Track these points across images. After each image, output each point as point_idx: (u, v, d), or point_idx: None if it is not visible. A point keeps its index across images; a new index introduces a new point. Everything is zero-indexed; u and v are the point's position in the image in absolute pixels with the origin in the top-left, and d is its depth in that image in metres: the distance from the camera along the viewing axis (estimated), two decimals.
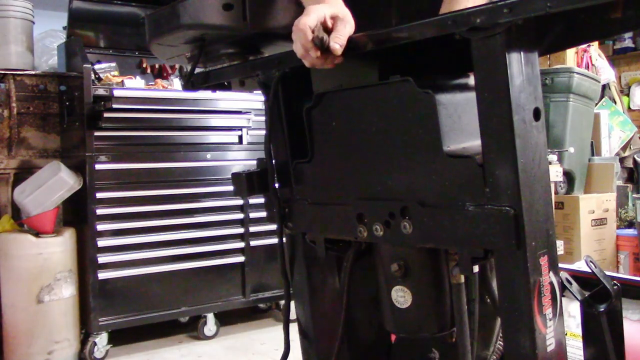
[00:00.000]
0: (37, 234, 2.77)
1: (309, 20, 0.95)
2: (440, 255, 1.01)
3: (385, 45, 0.91)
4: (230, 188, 1.21)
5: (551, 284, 0.85)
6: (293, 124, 1.10)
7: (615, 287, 1.20)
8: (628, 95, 5.58)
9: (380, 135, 0.96)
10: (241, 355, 2.99)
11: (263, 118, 1.17)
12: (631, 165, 4.43)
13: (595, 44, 4.36)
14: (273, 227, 1.17)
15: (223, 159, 3.20)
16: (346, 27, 0.97)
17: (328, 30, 0.96)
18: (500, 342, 1.22)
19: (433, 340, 1.13)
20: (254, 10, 1.13)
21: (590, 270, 1.24)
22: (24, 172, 3.05)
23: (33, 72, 3.12)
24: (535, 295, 0.82)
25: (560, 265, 0.97)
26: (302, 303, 1.21)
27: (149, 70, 3.68)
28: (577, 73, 3.69)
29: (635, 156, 4.41)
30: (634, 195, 3.93)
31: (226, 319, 3.35)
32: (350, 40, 0.96)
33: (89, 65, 2.89)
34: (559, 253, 2.31)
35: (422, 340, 1.14)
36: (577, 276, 1.30)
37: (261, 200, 1.19)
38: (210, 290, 3.17)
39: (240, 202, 3.22)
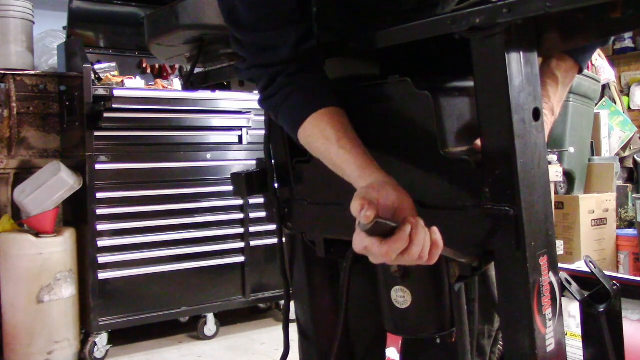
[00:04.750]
0: (37, 234, 2.77)
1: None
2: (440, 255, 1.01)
3: (385, 45, 0.91)
4: (231, 188, 1.21)
5: (551, 284, 0.84)
6: None
7: (615, 287, 1.20)
8: (628, 95, 5.58)
9: (380, 135, 0.96)
10: (241, 355, 2.99)
11: (263, 118, 1.17)
12: (631, 165, 4.43)
13: None
14: (273, 227, 1.17)
15: (223, 159, 3.21)
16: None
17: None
18: (501, 342, 1.22)
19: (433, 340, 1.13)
20: None
21: (589, 271, 1.24)
22: (24, 172, 3.05)
23: (33, 72, 3.12)
24: (535, 295, 0.82)
25: (560, 265, 0.97)
26: (302, 303, 1.21)
27: (149, 70, 3.68)
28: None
29: (635, 156, 4.41)
30: (634, 195, 3.92)
31: (226, 319, 3.35)
32: None
33: (89, 65, 2.89)
34: (559, 253, 2.30)
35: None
36: (577, 276, 1.29)
37: (261, 200, 1.19)
38: (210, 290, 3.17)
39: (240, 202, 3.22)
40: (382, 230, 0.74)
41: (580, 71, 1.11)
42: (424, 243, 0.76)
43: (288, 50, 0.95)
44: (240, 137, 3.27)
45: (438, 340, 1.05)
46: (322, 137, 0.92)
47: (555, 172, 3.28)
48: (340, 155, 0.90)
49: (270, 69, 0.97)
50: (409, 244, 0.74)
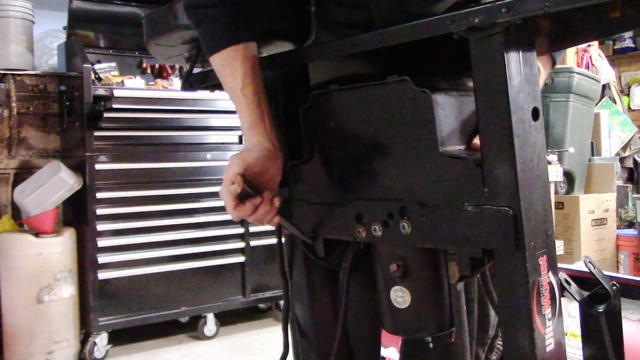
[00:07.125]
0: (37, 234, 2.77)
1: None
2: (439, 255, 1.01)
3: (385, 44, 0.91)
4: None
5: (550, 284, 0.84)
6: (292, 124, 1.10)
7: (614, 287, 1.20)
8: (628, 95, 5.58)
9: (378, 135, 0.96)
10: (241, 355, 2.99)
11: None
12: (631, 165, 4.43)
13: (595, 44, 4.36)
14: (272, 227, 1.17)
15: (223, 159, 3.20)
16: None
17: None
18: (498, 346, 1.22)
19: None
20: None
21: (589, 271, 1.24)
22: (24, 172, 3.05)
23: (33, 72, 3.12)
24: (534, 295, 0.82)
25: (560, 265, 0.96)
26: (302, 303, 1.21)
27: (149, 70, 3.68)
28: (577, 73, 3.68)
29: (635, 156, 4.41)
30: (634, 195, 3.92)
31: (226, 319, 3.35)
32: None
33: (89, 65, 2.89)
34: (558, 253, 2.30)
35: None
36: (577, 276, 1.29)
37: None
38: (210, 290, 3.17)
39: None
40: (242, 195, 0.98)
41: (553, 65, 1.12)
42: (264, 214, 1.01)
43: None
44: (241, 137, 3.27)
45: (437, 341, 1.05)
46: (231, 74, 1.01)
47: (555, 172, 3.27)
48: (239, 102, 1.02)
49: None
50: (253, 212, 0.99)
